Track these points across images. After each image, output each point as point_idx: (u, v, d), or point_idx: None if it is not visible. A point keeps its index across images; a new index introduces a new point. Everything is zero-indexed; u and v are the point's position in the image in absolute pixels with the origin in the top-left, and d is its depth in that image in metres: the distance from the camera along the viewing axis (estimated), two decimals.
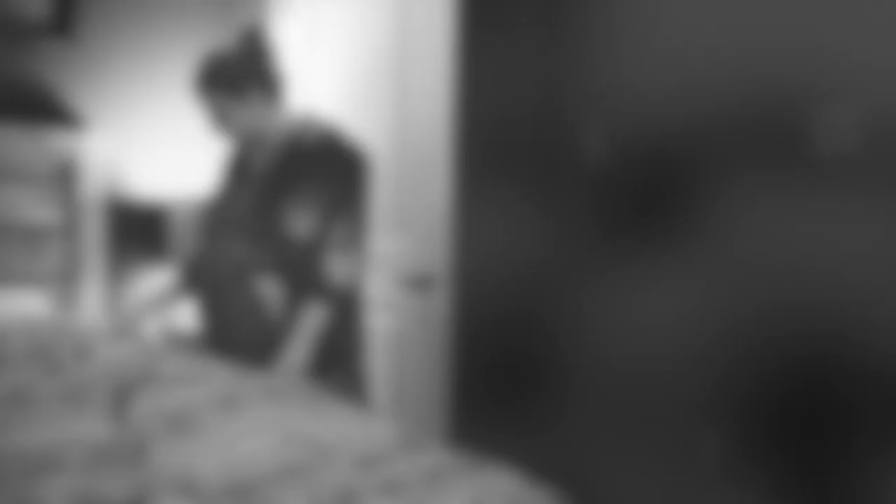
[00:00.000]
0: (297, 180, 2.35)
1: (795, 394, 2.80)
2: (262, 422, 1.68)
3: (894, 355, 2.57)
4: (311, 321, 2.30)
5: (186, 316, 3.62)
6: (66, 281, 3.42)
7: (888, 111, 2.62)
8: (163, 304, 2.72)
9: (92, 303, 3.45)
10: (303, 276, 2.35)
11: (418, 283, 2.99)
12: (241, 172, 2.54)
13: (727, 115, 3.00)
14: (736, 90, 2.99)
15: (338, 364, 2.42)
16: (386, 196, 3.14)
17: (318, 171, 2.35)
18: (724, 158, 3.01)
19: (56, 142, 3.35)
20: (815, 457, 2.72)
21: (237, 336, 2.40)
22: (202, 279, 2.45)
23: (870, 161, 2.65)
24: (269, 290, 2.34)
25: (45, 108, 3.43)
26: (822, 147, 2.75)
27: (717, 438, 2.91)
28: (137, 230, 3.69)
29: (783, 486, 2.82)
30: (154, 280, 3.72)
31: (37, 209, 3.34)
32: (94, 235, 3.45)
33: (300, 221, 2.33)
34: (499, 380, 2.85)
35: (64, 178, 3.40)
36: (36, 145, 3.29)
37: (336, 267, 2.32)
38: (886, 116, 2.62)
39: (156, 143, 3.73)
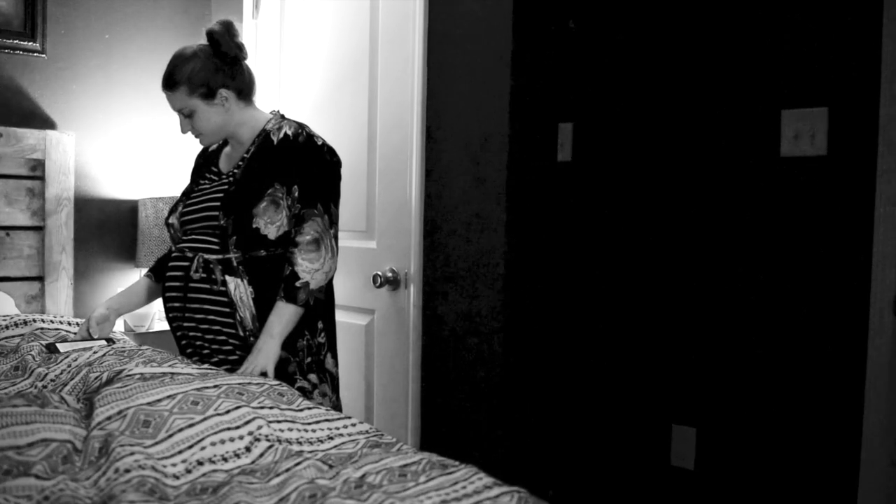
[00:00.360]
0: (266, 179, 2.35)
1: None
2: (230, 422, 1.67)
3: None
4: (281, 319, 2.30)
5: (156, 315, 3.61)
6: (36, 279, 3.40)
7: (853, 114, 2.65)
8: (133, 303, 2.71)
9: (62, 301, 3.42)
10: (273, 274, 2.35)
11: (389, 281, 2.99)
12: (211, 172, 2.54)
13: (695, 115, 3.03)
14: (704, 92, 3.03)
15: (307, 362, 2.42)
16: (357, 195, 3.14)
17: (287, 170, 2.35)
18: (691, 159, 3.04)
19: (27, 141, 3.32)
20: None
21: (206, 335, 2.39)
22: (172, 278, 2.44)
23: (835, 163, 2.68)
24: (239, 289, 2.34)
25: (15, 109, 3.40)
26: (788, 149, 2.79)
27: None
28: (108, 229, 3.67)
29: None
30: (124, 279, 3.70)
31: (6, 208, 3.31)
32: (64, 234, 3.43)
33: (270, 220, 2.33)
34: (464, 380, 2.86)
35: (34, 177, 3.37)
36: (6, 145, 3.26)
37: (306, 265, 2.32)
38: (853, 118, 2.65)
39: (126, 143, 3.71)
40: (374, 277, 2.99)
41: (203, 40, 2.43)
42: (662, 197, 3.12)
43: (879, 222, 2.58)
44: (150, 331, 3.56)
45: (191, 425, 1.64)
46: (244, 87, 2.48)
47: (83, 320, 2.72)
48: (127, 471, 1.45)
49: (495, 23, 2.74)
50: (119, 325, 3.26)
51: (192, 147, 2.59)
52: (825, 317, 2.71)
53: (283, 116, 2.52)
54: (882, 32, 2.57)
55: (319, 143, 2.41)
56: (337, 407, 2.51)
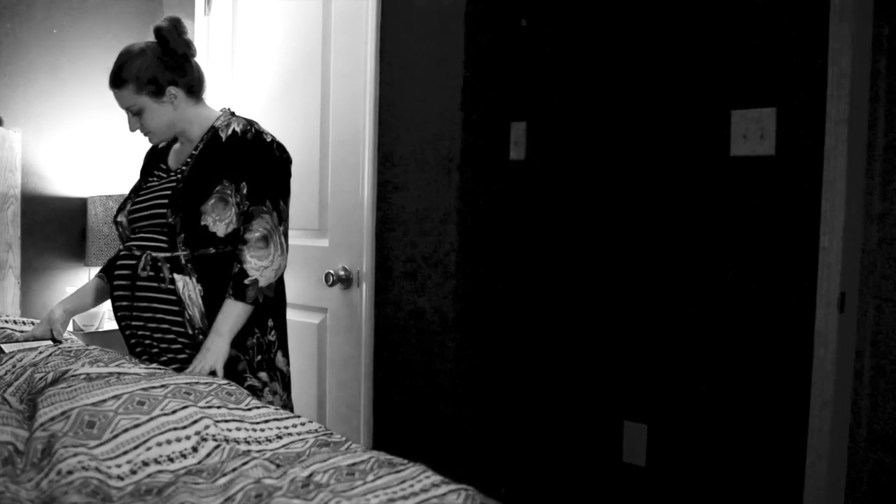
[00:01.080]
0: (215, 176, 2.32)
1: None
2: (176, 422, 1.65)
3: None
4: (230, 318, 2.28)
5: (105, 314, 3.56)
6: None
7: (801, 114, 2.69)
8: (86, 304, 2.67)
9: (9, 300, 3.36)
10: (222, 272, 2.32)
11: (342, 280, 2.98)
12: (160, 169, 2.51)
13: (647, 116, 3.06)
14: (655, 91, 3.05)
15: (258, 360, 2.40)
16: (310, 194, 3.12)
17: (236, 167, 2.33)
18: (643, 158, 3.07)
19: None
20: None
21: (155, 334, 2.37)
22: (119, 277, 2.41)
23: (783, 162, 2.72)
24: (188, 287, 2.31)
25: None
26: (737, 149, 2.82)
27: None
28: (56, 227, 3.62)
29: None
30: (73, 277, 3.65)
31: None
32: (10, 232, 3.37)
33: (218, 217, 2.31)
34: (417, 378, 2.86)
35: None
36: None
37: (255, 262, 2.30)
38: (801, 118, 2.69)
39: (75, 140, 3.65)
40: (327, 276, 2.98)
41: (152, 37, 2.41)
42: (614, 195, 3.14)
43: (825, 221, 2.62)
44: (100, 330, 3.51)
45: (136, 426, 1.62)
46: (193, 85, 2.46)
47: (38, 321, 2.69)
48: (70, 472, 1.43)
49: (448, 21, 2.74)
50: (68, 325, 3.21)
51: (142, 143, 2.56)
52: (773, 314, 2.75)
53: (232, 113, 2.50)
54: (828, 34, 2.61)
55: (268, 139, 2.39)
56: (288, 405, 2.49)
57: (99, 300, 2.66)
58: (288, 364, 2.52)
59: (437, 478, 1.45)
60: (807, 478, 2.67)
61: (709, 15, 2.90)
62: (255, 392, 2.37)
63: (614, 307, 3.17)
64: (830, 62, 2.60)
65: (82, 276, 3.66)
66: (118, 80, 2.37)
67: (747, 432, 2.82)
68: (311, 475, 1.48)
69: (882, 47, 3.56)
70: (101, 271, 2.67)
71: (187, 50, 2.42)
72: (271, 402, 2.39)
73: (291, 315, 2.85)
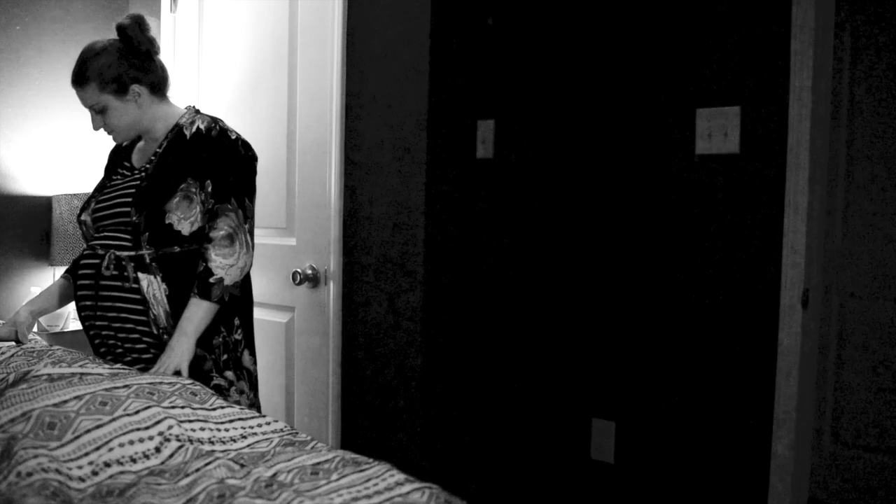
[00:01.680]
0: (179, 174, 2.31)
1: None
2: (139, 423, 1.64)
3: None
4: (195, 317, 2.27)
5: (70, 315, 3.53)
6: None
7: (764, 113, 2.72)
8: (52, 304, 2.64)
9: None
10: (187, 271, 2.31)
11: (309, 278, 2.97)
12: (124, 167, 2.49)
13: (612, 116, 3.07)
14: (623, 90, 3.07)
15: (224, 359, 2.39)
16: (277, 192, 3.11)
17: (200, 165, 2.31)
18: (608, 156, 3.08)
19: None
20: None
21: (119, 334, 2.35)
22: (83, 276, 2.39)
23: (747, 160, 2.74)
24: (152, 286, 2.30)
25: None
26: (702, 147, 2.84)
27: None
28: (20, 226, 3.58)
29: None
30: (38, 277, 3.61)
31: None
32: None
33: (183, 216, 2.29)
34: (385, 376, 2.86)
35: None
36: None
37: (220, 261, 2.29)
38: (764, 117, 2.72)
39: (40, 138, 3.61)
40: (294, 275, 2.96)
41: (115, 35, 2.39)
42: (582, 194, 3.16)
43: (789, 218, 2.65)
44: (65, 330, 3.48)
45: (98, 426, 1.60)
46: (157, 82, 2.43)
47: (2, 322, 2.65)
48: (29, 474, 1.41)
49: (414, 19, 2.74)
50: (34, 327, 3.17)
51: (107, 141, 2.54)
52: (738, 311, 2.77)
53: (197, 111, 2.48)
54: (791, 34, 2.64)
55: (233, 137, 2.38)
56: (255, 405, 2.48)
57: (65, 301, 2.63)
58: (255, 363, 2.51)
59: (401, 476, 1.45)
60: (772, 470, 2.70)
61: (674, 14, 2.92)
62: (222, 391, 2.36)
63: (582, 305, 3.19)
64: (792, 61, 2.63)
65: (47, 276, 3.62)
66: (81, 78, 2.34)
67: (714, 427, 2.84)
68: (274, 475, 1.48)
69: (845, 44, 3.60)
70: (66, 271, 2.64)
71: (150, 47, 2.40)
72: (238, 402, 2.38)
73: (259, 314, 2.84)
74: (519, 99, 3.07)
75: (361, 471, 1.48)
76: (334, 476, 1.46)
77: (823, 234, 2.73)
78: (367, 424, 2.93)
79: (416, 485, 1.42)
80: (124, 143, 2.57)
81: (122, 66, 2.34)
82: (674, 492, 2.94)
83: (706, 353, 2.85)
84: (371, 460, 1.55)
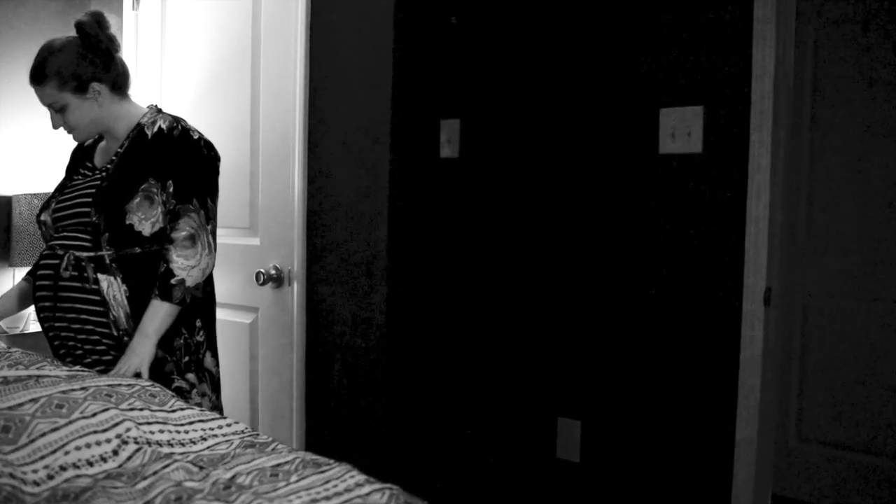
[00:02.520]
0: (140, 174, 2.28)
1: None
2: (96, 425, 1.62)
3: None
4: (155, 318, 2.24)
5: (30, 316, 3.48)
6: None
7: (727, 112, 2.73)
8: (13, 307, 2.60)
9: None
10: (148, 272, 2.28)
11: (273, 279, 2.95)
12: (85, 167, 2.46)
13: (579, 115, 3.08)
14: (587, 90, 3.08)
15: (185, 361, 2.37)
16: (240, 192, 3.09)
17: (162, 165, 2.29)
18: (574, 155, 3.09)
19: None
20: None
21: (79, 335, 2.32)
22: (42, 277, 2.35)
23: (710, 160, 2.76)
24: (112, 287, 2.27)
25: None
26: (666, 146, 2.85)
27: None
28: None
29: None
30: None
31: None
32: None
33: (144, 216, 2.27)
34: (349, 377, 2.85)
35: None
36: None
37: (181, 262, 2.27)
38: (727, 116, 2.73)
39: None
40: (258, 275, 2.95)
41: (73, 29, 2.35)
42: (547, 193, 3.16)
43: (751, 217, 2.66)
44: (25, 332, 3.44)
45: (54, 429, 1.58)
46: (118, 81, 2.41)
47: None
48: None
49: (377, 18, 2.73)
50: None
51: (70, 141, 2.50)
52: (702, 309, 2.79)
53: (159, 110, 2.46)
54: (752, 34, 2.65)
55: (196, 136, 2.35)
56: (217, 407, 2.46)
57: (25, 304, 2.59)
58: (217, 365, 2.48)
59: (361, 477, 1.44)
60: (736, 467, 2.72)
61: (638, 15, 2.94)
62: (183, 394, 2.34)
63: (547, 305, 3.19)
64: (754, 61, 2.65)
65: (6, 277, 3.58)
66: (39, 76, 2.31)
67: (678, 425, 2.86)
68: (233, 477, 1.46)
69: (807, 42, 3.64)
70: (28, 273, 2.60)
71: (111, 45, 2.37)
72: (199, 404, 2.36)
73: (222, 314, 2.82)
74: (485, 98, 3.07)
75: (321, 472, 1.47)
76: (294, 478, 1.45)
77: (786, 233, 2.75)
78: (333, 426, 2.91)
79: (377, 486, 1.41)
80: (86, 143, 2.54)
81: (81, 64, 2.31)
82: (639, 489, 2.95)
83: (670, 351, 2.86)
84: (331, 461, 1.54)
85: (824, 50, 3.68)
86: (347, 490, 1.39)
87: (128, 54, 3.48)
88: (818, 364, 3.77)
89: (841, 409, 3.70)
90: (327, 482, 1.43)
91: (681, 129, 2.81)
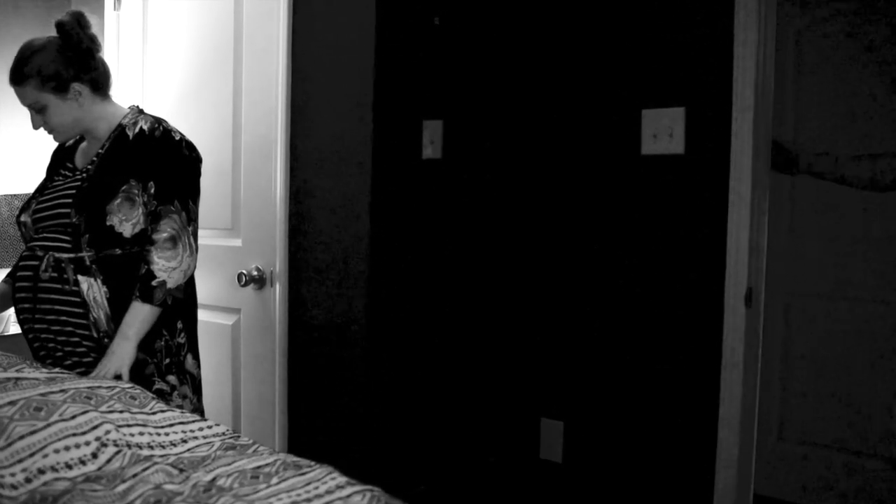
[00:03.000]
0: (121, 176, 2.27)
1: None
2: (75, 428, 1.61)
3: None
4: (136, 320, 2.23)
5: (10, 318, 3.46)
6: None
7: (708, 114, 2.74)
8: None
9: None
10: (128, 273, 2.27)
11: (255, 280, 2.94)
12: (66, 168, 2.44)
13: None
14: (570, 91, 3.08)
15: (166, 363, 2.36)
16: (222, 193, 3.08)
17: (143, 166, 2.28)
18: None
19: None
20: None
21: (59, 337, 2.30)
22: (21, 278, 2.34)
23: (692, 161, 2.77)
24: (93, 289, 2.26)
25: None
26: (648, 147, 2.86)
27: None
28: None
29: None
30: None
31: None
32: None
33: (125, 217, 2.26)
34: (332, 378, 2.84)
35: None
36: None
37: (162, 263, 2.25)
38: (709, 117, 2.74)
39: None
40: (240, 276, 2.93)
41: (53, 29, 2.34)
42: (530, 194, 3.17)
43: (733, 218, 2.67)
44: (5, 334, 3.41)
45: (33, 432, 1.57)
46: (99, 81, 2.39)
47: None
48: None
49: (359, 19, 2.72)
50: None
51: (51, 141, 2.49)
52: (683, 310, 2.80)
53: (140, 111, 2.45)
54: (734, 36, 2.66)
55: (177, 137, 2.34)
56: (198, 409, 2.45)
57: (4, 305, 2.58)
58: (198, 367, 2.47)
59: (342, 479, 1.44)
60: (718, 467, 2.72)
61: (620, 16, 2.94)
62: (164, 396, 2.33)
63: (530, 306, 3.19)
64: (735, 63, 2.66)
65: None
66: (19, 76, 2.30)
67: (660, 425, 2.86)
68: (214, 479, 1.45)
69: (789, 38, 3.66)
70: (7, 275, 2.59)
71: (91, 45, 2.36)
72: (181, 406, 2.35)
73: (204, 316, 2.81)
74: (468, 99, 3.07)
75: (302, 474, 1.47)
76: (274, 480, 1.44)
77: (767, 234, 2.76)
78: (315, 427, 2.90)
79: (357, 487, 1.41)
80: (67, 144, 2.52)
81: (61, 64, 2.30)
82: (622, 490, 2.95)
83: (652, 352, 2.87)
84: (313, 463, 1.53)
85: (806, 50, 3.70)
86: (328, 492, 1.39)
87: (109, 55, 3.46)
88: (800, 363, 3.78)
89: (822, 409, 3.72)
90: (308, 484, 1.43)
91: (663, 130, 2.82)
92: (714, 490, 2.74)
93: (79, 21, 2.32)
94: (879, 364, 3.57)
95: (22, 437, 1.55)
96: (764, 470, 3.78)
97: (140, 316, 2.23)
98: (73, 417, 1.63)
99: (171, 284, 2.26)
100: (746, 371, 2.70)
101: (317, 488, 1.41)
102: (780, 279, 3.77)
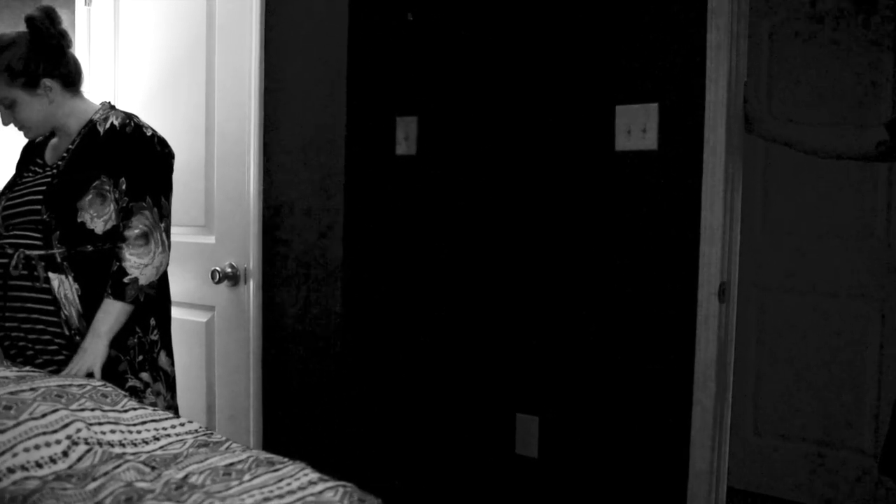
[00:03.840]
0: (92, 172, 2.25)
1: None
2: (45, 426, 1.59)
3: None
4: (108, 317, 2.22)
5: None
6: None
7: (681, 109, 2.75)
8: None
9: None
10: (100, 270, 2.26)
11: (229, 277, 2.93)
12: (36, 164, 2.42)
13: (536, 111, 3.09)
14: (544, 87, 3.08)
15: (139, 360, 2.34)
16: (195, 189, 3.06)
17: (114, 162, 2.26)
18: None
19: None
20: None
21: (30, 335, 2.28)
22: None
23: (665, 156, 2.78)
24: (64, 286, 2.24)
25: None
26: (622, 143, 2.87)
27: None
28: None
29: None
30: None
31: None
32: None
33: (96, 214, 2.24)
34: (306, 375, 2.84)
35: None
36: None
37: (134, 260, 2.24)
38: (682, 112, 2.75)
39: None
40: (213, 273, 2.92)
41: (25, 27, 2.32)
42: (504, 190, 3.17)
43: (706, 213, 2.68)
44: None
45: (2, 431, 1.55)
46: (70, 76, 2.37)
47: None
48: None
49: (332, 15, 2.72)
50: None
51: (20, 137, 2.46)
52: (657, 306, 2.81)
53: (112, 107, 2.43)
54: (707, 31, 2.67)
55: (149, 133, 2.33)
56: (172, 406, 2.44)
57: None
58: (172, 364, 2.46)
59: (315, 475, 1.44)
60: (691, 461, 2.74)
61: (593, 12, 2.95)
62: (137, 393, 2.31)
63: (505, 301, 3.20)
64: (708, 58, 2.67)
65: None
66: None
67: (634, 420, 2.88)
68: (186, 476, 1.45)
69: (762, 32, 3.68)
70: None
71: (62, 40, 2.34)
72: (154, 404, 2.34)
73: (178, 313, 2.79)
74: (443, 96, 3.07)
75: (275, 470, 1.47)
76: (247, 476, 1.44)
77: (740, 229, 2.77)
78: (290, 424, 2.90)
79: (330, 483, 1.40)
80: (37, 140, 2.50)
81: (32, 59, 2.28)
82: (597, 484, 2.96)
83: (627, 347, 2.88)
84: (285, 460, 1.53)
85: (779, 44, 3.72)
86: (301, 488, 1.39)
87: (80, 50, 3.43)
88: (774, 358, 3.82)
89: (796, 403, 3.75)
90: (280, 480, 1.42)
91: (636, 126, 2.83)
92: (688, 484, 2.75)
93: (49, 16, 2.30)
94: (854, 358, 3.61)
95: None
96: (739, 464, 3.81)
97: (112, 313, 2.22)
98: (44, 416, 1.62)
99: (143, 281, 2.25)
100: (720, 366, 2.71)
101: (289, 484, 1.40)
102: (755, 274, 3.80)
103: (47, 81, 2.31)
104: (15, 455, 1.51)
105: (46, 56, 2.30)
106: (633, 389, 2.87)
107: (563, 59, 3.02)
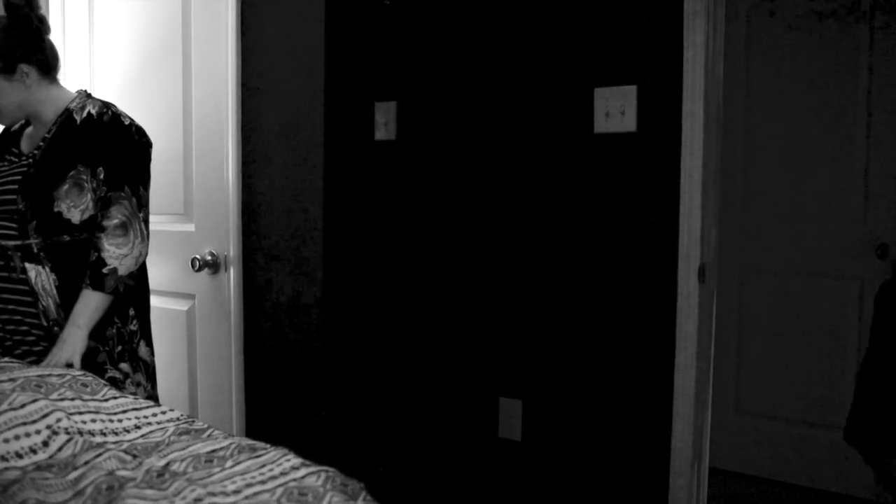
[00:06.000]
0: (69, 161, 2.23)
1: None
2: (25, 417, 1.58)
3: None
4: (87, 308, 2.20)
5: None
6: None
7: (660, 91, 2.76)
8: None
9: None
10: (78, 260, 2.24)
11: (209, 265, 2.92)
12: (11, 153, 2.40)
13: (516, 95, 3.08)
14: (523, 71, 3.08)
15: (118, 351, 2.33)
16: (174, 177, 3.04)
17: (91, 151, 2.24)
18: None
19: None
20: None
21: (7, 326, 2.27)
22: None
23: (644, 138, 2.79)
24: (41, 277, 2.22)
25: None
26: (601, 126, 2.87)
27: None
28: None
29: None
30: None
31: None
32: None
33: (73, 204, 2.22)
34: (289, 362, 2.83)
35: None
36: None
37: (113, 250, 2.22)
38: (660, 94, 2.76)
39: None
40: (193, 261, 2.91)
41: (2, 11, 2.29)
42: (484, 174, 3.17)
43: (685, 194, 2.69)
44: None
45: None
46: (47, 62, 2.34)
47: None
48: None
49: (308, 1, 2.70)
50: None
51: None
52: (638, 287, 2.82)
53: (88, 95, 2.40)
54: (684, 13, 2.68)
55: (127, 122, 2.31)
56: (152, 397, 2.42)
57: None
58: (152, 354, 2.45)
59: (297, 461, 1.44)
60: (673, 442, 2.76)
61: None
62: (117, 384, 2.30)
63: (488, 286, 3.20)
64: (686, 41, 2.67)
65: None
66: None
67: (617, 401, 2.89)
68: (167, 464, 1.44)
69: (740, 14, 3.69)
70: None
71: (40, 25, 2.30)
72: (134, 394, 2.32)
73: (158, 302, 2.78)
74: (421, 80, 3.06)
75: (257, 457, 1.46)
76: (229, 463, 1.43)
77: (723, 209, 2.78)
78: (273, 411, 2.89)
79: (312, 468, 1.40)
80: (12, 128, 2.47)
81: (9, 44, 2.25)
82: (579, 467, 2.98)
83: (608, 329, 2.89)
84: (267, 446, 1.53)
85: (757, 25, 3.73)
86: (283, 473, 1.39)
87: (55, 37, 3.38)
88: (755, 338, 3.84)
89: (777, 382, 3.78)
90: (263, 466, 1.42)
91: (615, 109, 2.83)
92: (670, 464, 2.77)
93: (28, 1, 2.27)
94: (834, 338, 3.64)
95: None
96: (721, 443, 3.83)
97: (91, 304, 2.20)
98: (23, 406, 1.61)
99: (122, 272, 2.23)
100: (700, 346, 2.73)
101: (271, 470, 1.40)
102: (735, 255, 3.82)
103: (24, 67, 2.28)
104: None
105: (24, 41, 2.27)
106: (616, 371, 2.88)
107: (542, 42, 3.01)
